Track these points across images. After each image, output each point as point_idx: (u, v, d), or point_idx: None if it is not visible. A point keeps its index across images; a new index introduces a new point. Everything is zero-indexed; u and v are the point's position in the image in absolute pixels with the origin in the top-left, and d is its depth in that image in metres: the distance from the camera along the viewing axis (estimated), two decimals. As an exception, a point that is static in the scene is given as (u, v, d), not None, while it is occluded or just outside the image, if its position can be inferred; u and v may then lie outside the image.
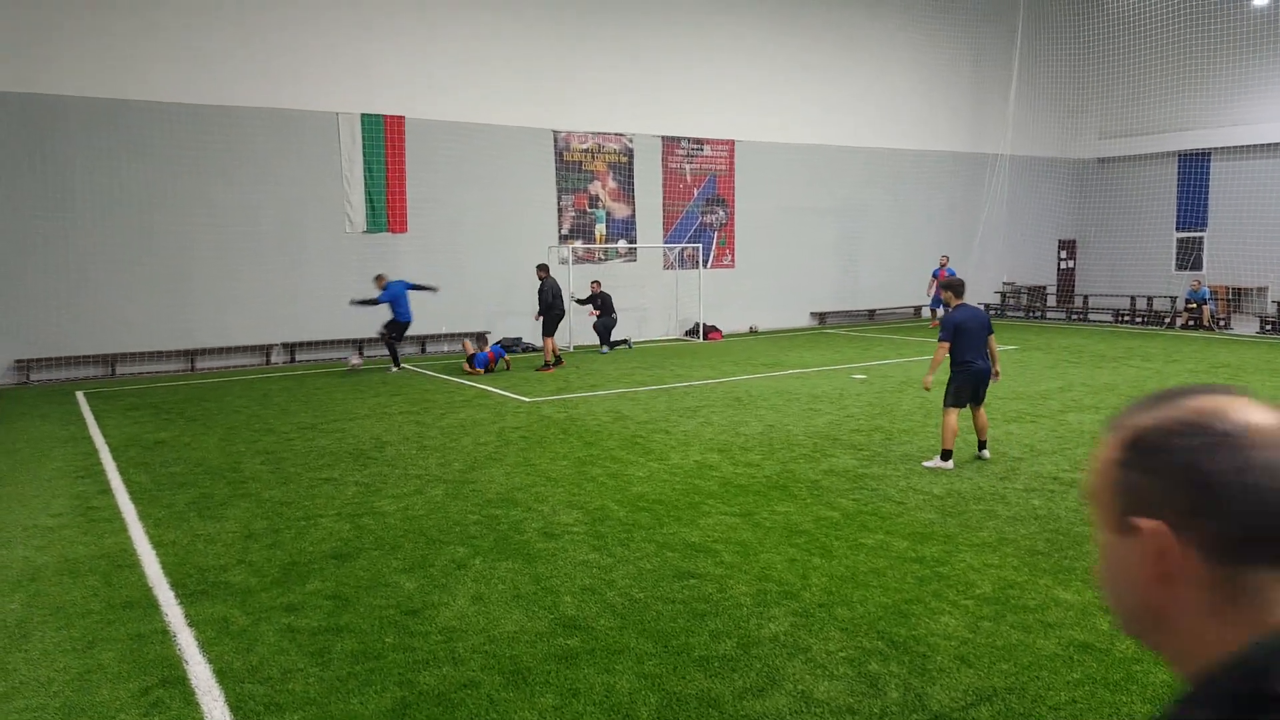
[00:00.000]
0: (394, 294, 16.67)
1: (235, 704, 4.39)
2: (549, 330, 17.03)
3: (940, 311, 22.42)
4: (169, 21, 17.17)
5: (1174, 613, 0.98)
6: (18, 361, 16.12)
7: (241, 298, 17.91)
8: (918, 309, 27.56)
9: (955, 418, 8.89)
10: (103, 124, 16.79)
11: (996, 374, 9.13)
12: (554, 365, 16.95)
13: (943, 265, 23.25)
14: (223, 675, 4.69)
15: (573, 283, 20.32)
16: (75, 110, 16.55)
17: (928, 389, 9.43)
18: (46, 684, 4.66)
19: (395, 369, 17.02)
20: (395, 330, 16.97)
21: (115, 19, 16.71)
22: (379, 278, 16.93)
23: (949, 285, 9.29)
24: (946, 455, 8.88)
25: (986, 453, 9.23)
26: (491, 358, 16.82)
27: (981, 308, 12.52)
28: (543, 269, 17.32)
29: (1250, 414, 0.95)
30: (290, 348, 18.76)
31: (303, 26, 18.41)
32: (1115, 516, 0.99)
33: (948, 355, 8.95)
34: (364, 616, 5.42)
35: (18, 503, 8.22)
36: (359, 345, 18.25)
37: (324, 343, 19.17)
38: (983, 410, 9.18)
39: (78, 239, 16.73)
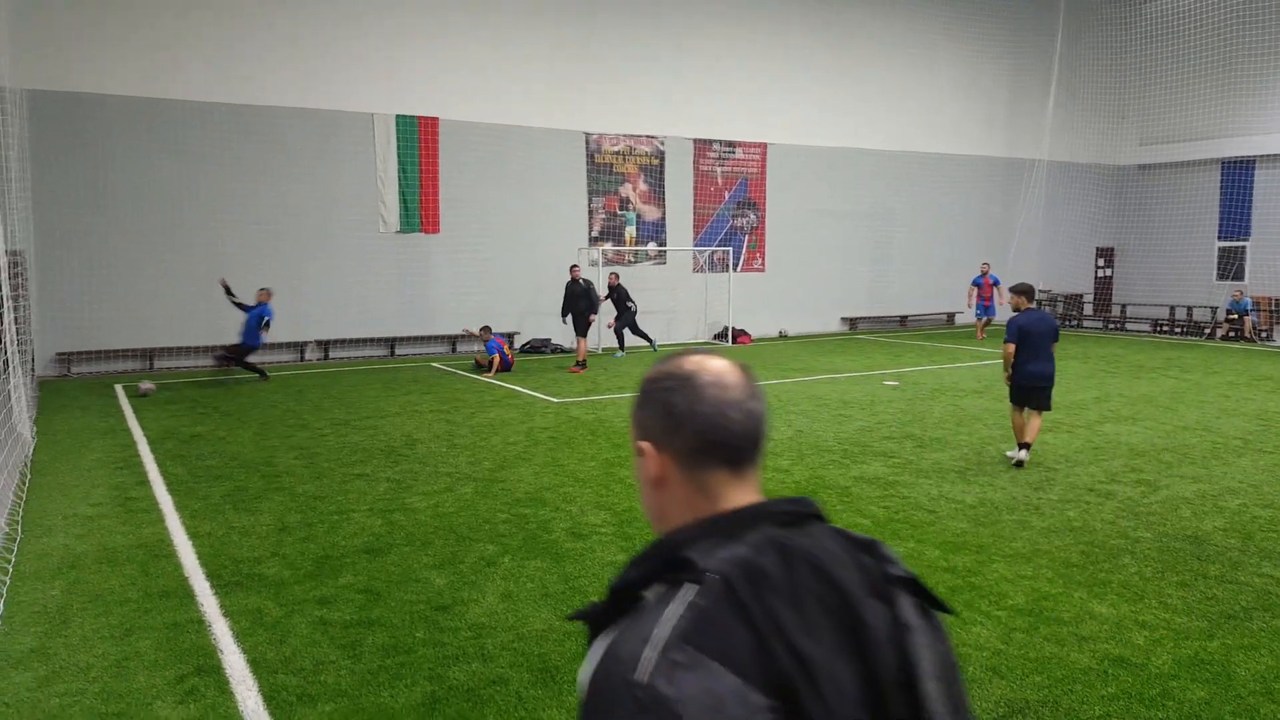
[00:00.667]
0: (255, 315, 15.36)
1: (269, 694, 4.44)
2: (581, 331, 17.26)
3: (984, 320, 21.61)
4: (208, 22, 17.44)
5: (668, 507, 1.32)
6: (59, 354, 16.43)
7: (277, 295, 18.08)
8: (951, 315, 27.32)
9: (1019, 415, 9.28)
10: (142, 123, 17.08)
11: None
12: (582, 367, 17.07)
13: (984, 273, 22.03)
14: (256, 665, 4.76)
15: (601, 285, 20.36)
16: (115, 109, 16.85)
17: (1009, 384, 9.46)
18: (85, 669, 4.74)
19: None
20: (237, 354, 15.50)
21: (154, 19, 17.00)
22: (263, 291, 15.73)
23: (1020, 289, 9.53)
24: (1022, 446, 9.17)
25: (1023, 454, 9.12)
26: (507, 356, 16.73)
27: (1048, 313, 12.58)
28: (575, 269, 17.58)
29: (707, 363, 1.32)
30: (324, 345, 18.97)
31: (339, 28, 18.62)
32: (632, 442, 1.36)
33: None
34: (395, 611, 5.47)
35: (59, 492, 8.39)
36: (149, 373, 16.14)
37: (357, 340, 19.37)
38: (1039, 418, 9.29)
39: (117, 235, 17.03)
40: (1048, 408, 9.29)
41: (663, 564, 1.21)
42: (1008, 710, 4.26)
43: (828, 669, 1.12)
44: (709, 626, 1.11)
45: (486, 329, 17.11)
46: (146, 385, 14.27)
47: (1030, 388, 9.15)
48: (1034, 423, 9.22)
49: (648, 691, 1.06)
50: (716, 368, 1.32)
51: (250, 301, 15.55)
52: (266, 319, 15.42)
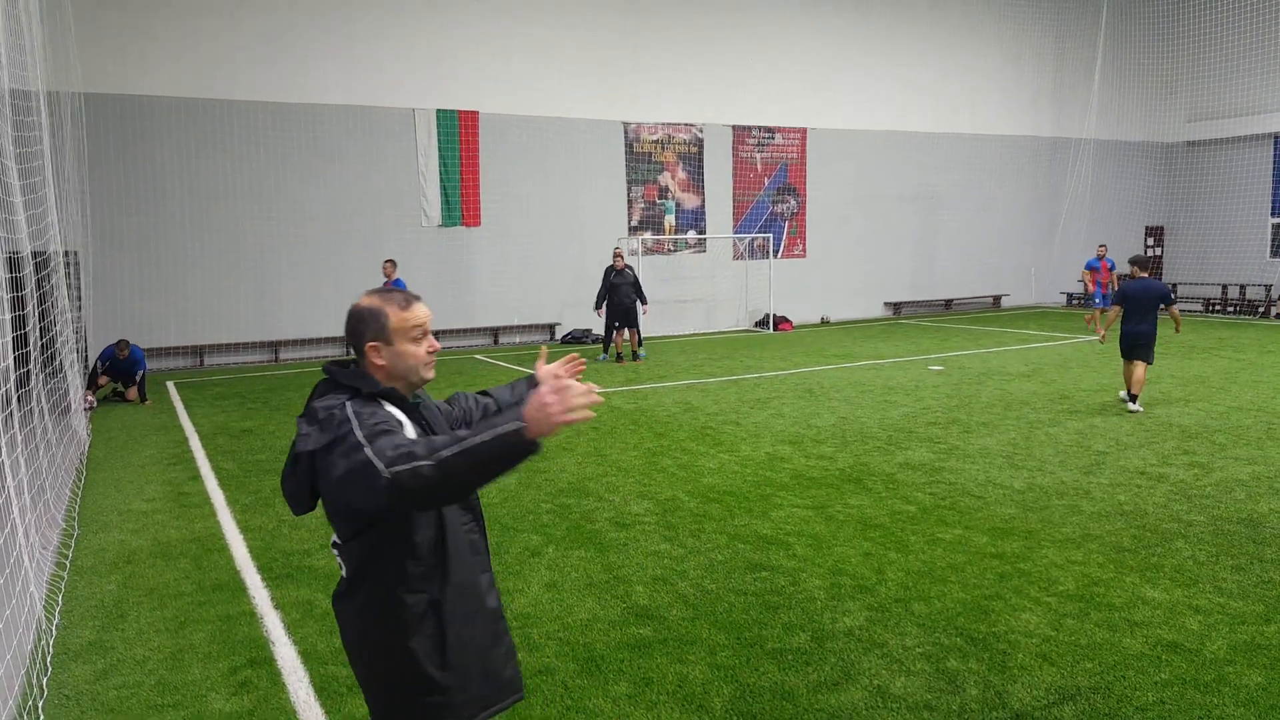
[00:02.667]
0: None
1: (320, 685, 4.52)
2: (632, 322, 16.70)
3: (1101, 309, 19.17)
4: (252, 22, 17.70)
5: (387, 374, 2.43)
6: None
7: (323, 290, 18.37)
8: (997, 299, 26.91)
9: (1128, 366, 10.98)
10: (190, 123, 17.42)
11: (1178, 331, 11.68)
12: (620, 358, 16.64)
13: (1101, 255, 19.63)
14: (308, 657, 4.84)
15: (643, 272, 20.33)
16: (165, 110, 17.20)
17: (1103, 342, 12.47)
18: (142, 662, 4.86)
19: None
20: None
21: (201, 21, 17.32)
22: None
23: (1136, 260, 11.26)
24: (1131, 398, 10.89)
25: (1133, 405, 10.81)
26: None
27: (1160, 280, 14.23)
28: (620, 258, 17.01)
29: (394, 299, 2.45)
30: (368, 339, 19.18)
31: (380, 25, 18.79)
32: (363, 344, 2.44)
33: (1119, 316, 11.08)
34: (441, 602, 5.52)
35: (114, 488, 8.60)
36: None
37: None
38: (1142, 368, 10.84)
39: (168, 234, 17.39)
40: (1149, 360, 10.88)
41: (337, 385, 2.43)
42: (1059, 697, 4.19)
43: None
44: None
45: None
46: (90, 399, 13.01)
47: (1132, 344, 10.89)
48: (1138, 373, 10.82)
49: None
50: (373, 297, 2.49)
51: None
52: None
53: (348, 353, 2.51)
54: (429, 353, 2.49)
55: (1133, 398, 10.85)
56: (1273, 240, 26.42)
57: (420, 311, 2.48)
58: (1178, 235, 28.88)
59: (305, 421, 2.32)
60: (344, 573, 2.44)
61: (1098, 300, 19.38)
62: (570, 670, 4.59)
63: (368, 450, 2.12)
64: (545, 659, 4.72)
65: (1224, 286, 25.36)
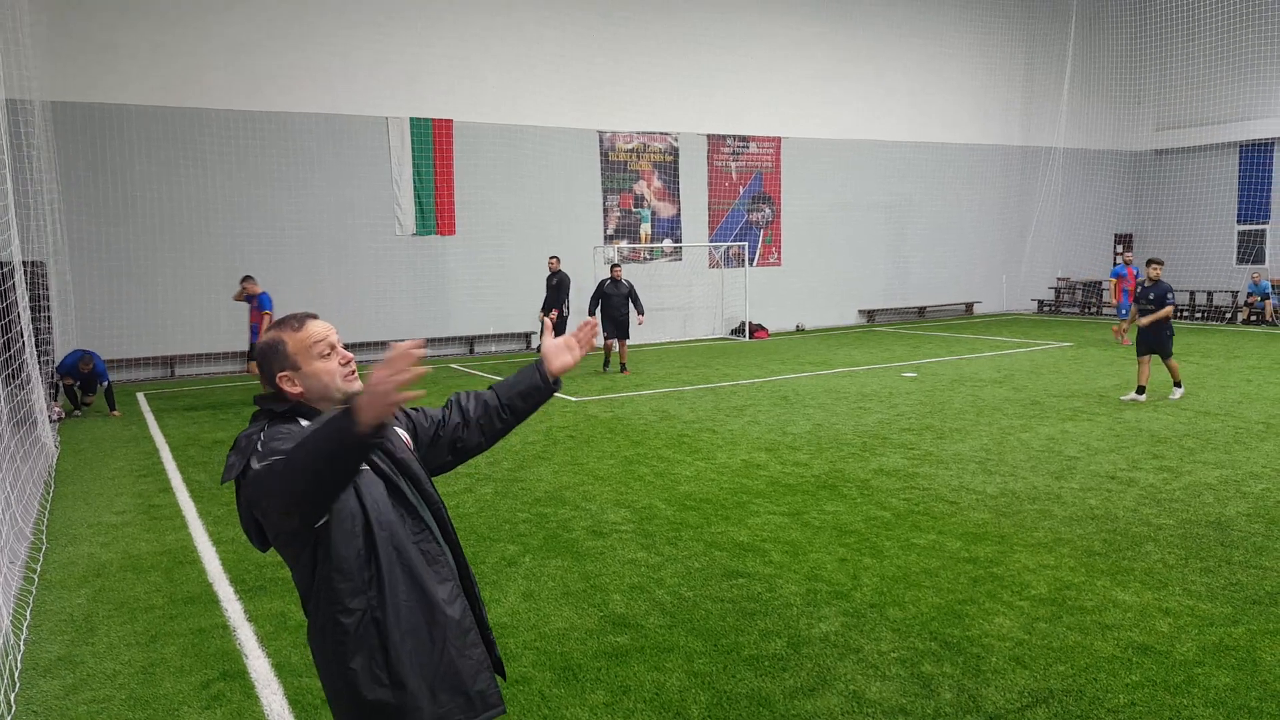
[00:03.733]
0: None
1: (294, 698, 4.48)
2: (625, 334, 16.19)
3: (1128, 319, 17.88)
4: (223, 30, 17.59)
5: (306, 398, 2.40)
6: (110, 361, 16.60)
7: (295, 300, 18.20)
8: (969, 306, 27.17)
9: (1145, 365, 12.15)
10: (160, 131, 17.26)
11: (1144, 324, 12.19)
12: (606, 366, 16.41)
13: (1128, 263, 19.20)
14: (281, 669, 4.79)
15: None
16: (134, 118, 17.04)
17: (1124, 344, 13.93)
18: (112, 676, 4.80)
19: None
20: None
21: (171, 29, 17.18)
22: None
23: (1160, 261, 12.44)
24: (1141, 389, 12.11)
25: (1177, 393, 12.13)
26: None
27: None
28: (618, 269, 16.44)
29: (287, 324, 2.43)
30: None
31: (353, 33, 18.72)
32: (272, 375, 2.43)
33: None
34: (417, 613, 5.49)
35: (83, 501, 8.48)
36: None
37: (376, 344, 19.46)
38: (1166, 360, 12.05)
39: (137, 244, 17.21)
40: (1169, 353, 12.07)
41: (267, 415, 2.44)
42: (1031, 700, 4.24)
43: None
44: None
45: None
46: (58, 410, 12.76)
47: (1153, 341, 12.00)
48: (1170, 365, 12.08)
49: None
50: (287, 328, 2.45)
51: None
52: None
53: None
54: (342, 364, 2.43)
55: (1143, 389, 12.12)
56: (1238, 247, 26.89)
57: (316, 328, 2.43)
58: (1146, 242, 29.32)
59: (230, 454, 2.32)
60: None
61: (1124, 311, 18.68)
62: (547, 680, 4.58)
63: (255, 463, 2.18)
64: (522, 668, 4.71)
65: (1191, 293, 25.77)
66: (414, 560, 2.39)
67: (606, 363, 16.46)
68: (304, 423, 2.37)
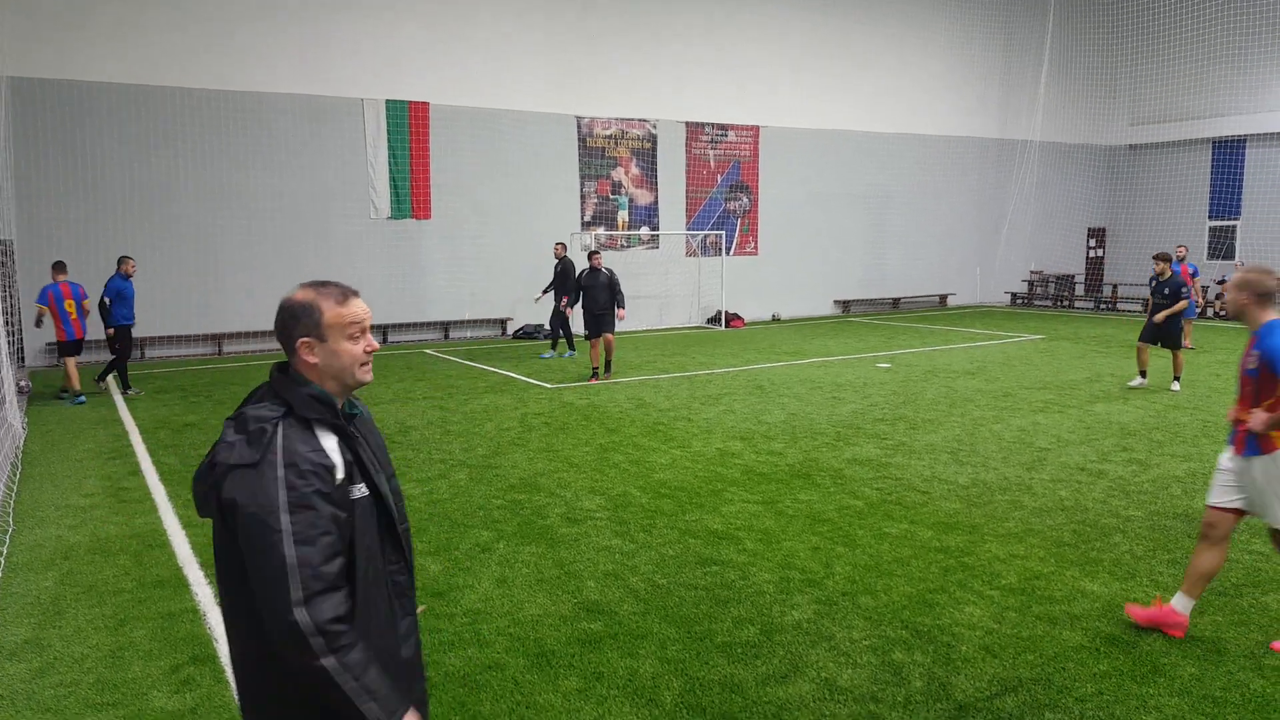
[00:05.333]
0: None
1: (264, 683, 4.44)
2: (609, 328, 13.97)
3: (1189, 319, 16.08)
4: (199, 8, 17.29)
5: (319, 374, 2.26)
6: (49, 344, 16.35)
7: (268, 282, 18.02)
8: (943, 298, 27.36)
9: (1146, 353, 12.68)
10: (133, 110, 16.97)
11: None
12: (595, 373, 13.92)
13: (1181, 258, 17.07)
14: (251, 654, 4.75)
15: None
16: (106, 96, 16.73)
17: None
18: (80, 660, 4.74)
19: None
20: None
21: (146, 5, 16.85)
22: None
23: (1164, 257, 12.67)
24: (1143, 374, 12.70)
25: (1175, 385, 12.51)
26: None
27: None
28: (597, 257, 14.28)
29: (329, 293, 2.28)
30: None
31: (331, 13, 18.47)
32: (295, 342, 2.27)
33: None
34: (390, 598, 5.47)
35: (51, 483, 8.36)
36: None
37: (349, 327, 19.30)
38: (1176, 352, 12.51)
39: (106, 223, 16.93)
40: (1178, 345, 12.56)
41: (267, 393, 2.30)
42: (1001, 688, 4.29)
43: None
44: None
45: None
46: (24, 383, 12.71)
47: (1153, 330, 12.46)
48: (1177, 357, 12.46)
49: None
50: (307, 291, 2.32)
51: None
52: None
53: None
54: (366, 352, 2.28)
55: (1144, 374, 12.67)
56: (1209, 242, 27.23)
57: (359, 308, 2.29)
58: (1119, 237, 29.65)
59: (233, 427, 2.12)
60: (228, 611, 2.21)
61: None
62: (520, 665, 4.58)
63: (289, 551, 1.99)
64: (495, 654, 4.70)
65: (1162, 288, 26.05)
66: (387, 592, 2.29)
67: (595, 371, 13.92)
68: (323, 438, 2.15)
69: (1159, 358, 13.96)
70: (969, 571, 5.77)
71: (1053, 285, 28.57)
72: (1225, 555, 4.76)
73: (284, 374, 2.25)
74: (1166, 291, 12.37)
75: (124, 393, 13.20)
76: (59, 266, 13.00)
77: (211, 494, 2.11)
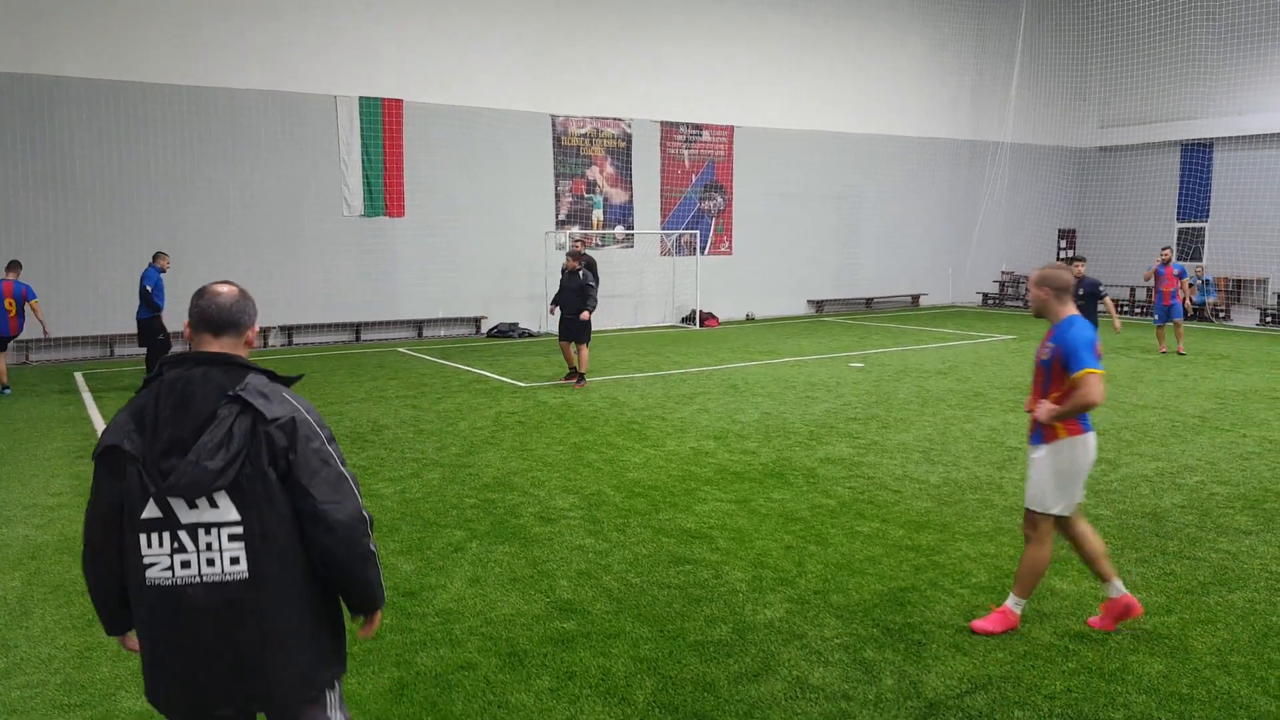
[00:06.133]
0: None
1: (233, 684, 4.40)
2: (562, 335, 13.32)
3: (1164, 325, 16.70)
4: (169, 3, 17.07)
5: (247, 353, 2.69)
6: (17, 341, 16.08)
7: (238, 280, 17.59)
8: (915, 298, 27.57)
9: None
10: (102, 105, 16.74)
11: None
12: (575, 378, 13.28)
13: (1165, 261, 16.55)
14: (221, 655, 4.70)
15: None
16: (75, 91, 16.49)
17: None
18: (47, 661, 4.67)
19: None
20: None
21: (115, 1, 16.63)
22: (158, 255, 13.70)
23: (1080, 259, 12.53)
24: None
25: None
26: None
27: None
28: (573, 258, 13.42)
29: (214, 286, 2.64)
30: (287, 330, 18.75)
31: (303, 9, 18.31)
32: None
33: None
34: (362, 599, 5.43)
35: (18, 482, 8.23)
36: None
37: (321, 326, 19.16)
38: None
39: (77, 220, 16.70)
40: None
41: (157, 369, 2.57)
42: (971, 686, 4.33)
43: (159, 419, 2.47)
44: (138, 398, 2.54)
45: None
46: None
47: None
48: None
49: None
50: (219, 286, 2.67)
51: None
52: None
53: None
54: None
55: None
56: (1178, 244, 27.62)
57: None
58: (1089, 238, 30.01)
59: (257, 394, 2.52)
60: (259, 569, 2.50)
61: (1157, 315, 16.77)
62: (492, 665, 4.57)
63: (345, 471, 2.69)
64: (468, 654, 4.69)
65: (1132, 289, 26.42)
66: None
67: (571, 372, 13.42)
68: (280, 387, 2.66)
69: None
70: (940, 570, 5.83)
71: (1024, 286, 28.86)
72: (1051, 550, 4.95)
73: (233, 358, 2.58)
74: (1081, 292, 12.21)
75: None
76: (12, 265, 13.17)
77: (251, 455, 2.45)
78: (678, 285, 23.33)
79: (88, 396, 12.76)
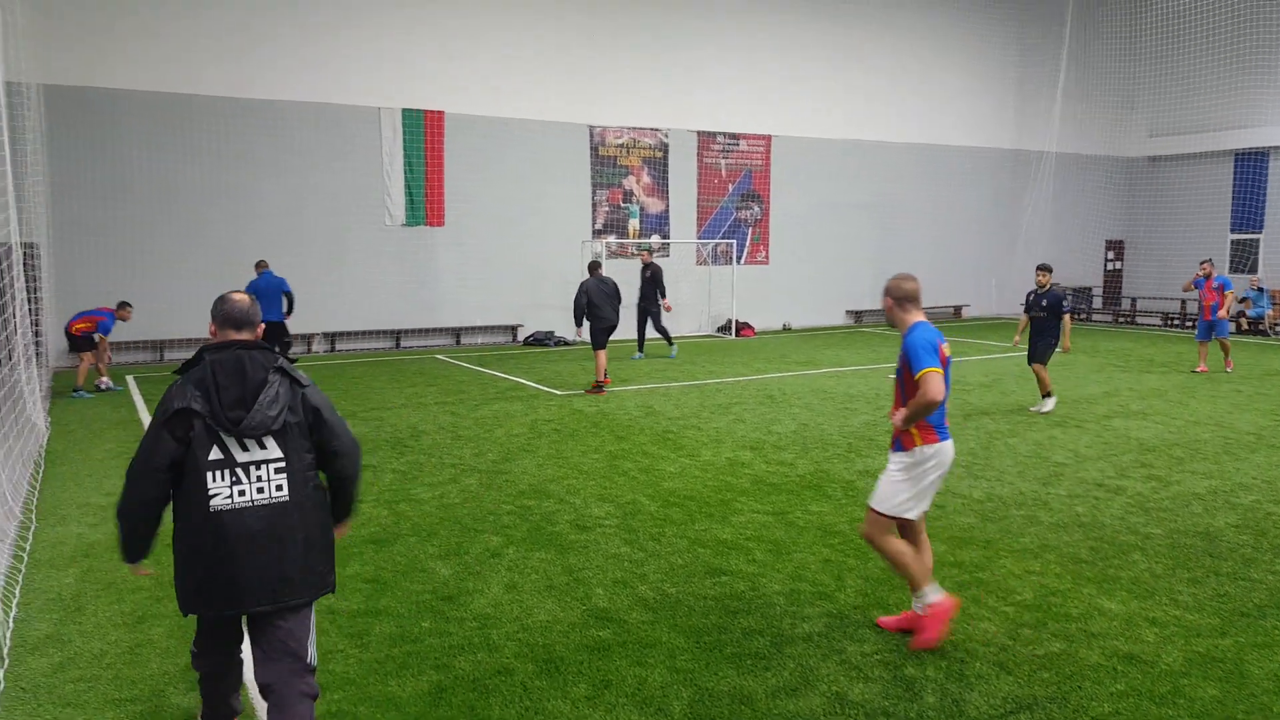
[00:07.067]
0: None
1: (275, 685, 4.45)
2: (598, 343, 13.65)
3: (1207, 341, 15.71)
4: (220, 18, 17.47)
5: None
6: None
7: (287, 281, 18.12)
8: (957, 309, 27.25)
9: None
10: (157, 118, 17.17)
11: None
12: (600, 387, 13.52)
13: (1207, 274, 15.42)
14: (263, 657, 4.76)
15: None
16: (131, 104, 16.94)
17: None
18: (99, 656, 4.77)
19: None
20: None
21: (170, 16, 17.07)
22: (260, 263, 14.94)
23: (1047, 268, 11.88)
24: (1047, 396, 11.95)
25: (1049, 405, 11.86)
26: None
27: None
28: (592, 266, 14.16)
29: (232, 295, 3.57)
30: (331, 337, 19.00)
31: (349, 26, 18.62)
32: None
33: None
34: (401, 601, 5.48)
35: (73, 482, 8.42)
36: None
37: (364, 333, 19.40)
38: (1036, 366, 11.89)
39: (130, 227, 17.11)
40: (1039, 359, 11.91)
41: (196, 356, 3.36)
42: (1014, 706, 4.25)
43: (219, 386, 3.32)
44: (195, 373, 3.35)
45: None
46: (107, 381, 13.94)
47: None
48: (1040, 371, 11.83)
49: (169, 393, 3.34)
50: (234, 296, 3.51)
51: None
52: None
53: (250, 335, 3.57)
54: None
55: (1046, 395, 11.94)
56: (1232, 256, 26.99)
57: None
58: (1138, 250, 29.43)
59: (284, 371, 3.47)
60: (296, 493, 3.44)
61: (1199, 331, 15.79)
62: (529, 671, 4.57)
63: (345, 423, 3.71)
64: (505, 659, 4.70)
65: (1183, 301, 25.87)
66: None
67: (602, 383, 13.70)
68: None
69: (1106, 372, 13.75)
70: (983, 587, 5.73)
71: (1070, 298, 28.37)
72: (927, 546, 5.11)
73: (262, 344, 3.48)
74: (1045, 304, 11.67)
75: None
76: (121, 306, 14.13)
77: (292, 407, 3.42)
78: (714, 295, 23.27)
79: (139, 399, 13.03)
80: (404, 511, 7.39)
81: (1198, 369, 15.67)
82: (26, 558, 6.28)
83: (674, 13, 21.99)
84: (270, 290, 14.20)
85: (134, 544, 3.49)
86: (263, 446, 3.35)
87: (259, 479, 3.35)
